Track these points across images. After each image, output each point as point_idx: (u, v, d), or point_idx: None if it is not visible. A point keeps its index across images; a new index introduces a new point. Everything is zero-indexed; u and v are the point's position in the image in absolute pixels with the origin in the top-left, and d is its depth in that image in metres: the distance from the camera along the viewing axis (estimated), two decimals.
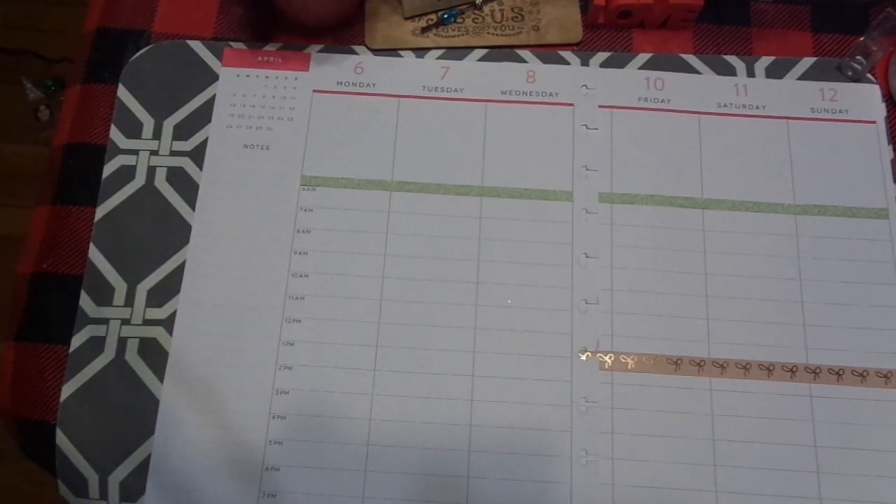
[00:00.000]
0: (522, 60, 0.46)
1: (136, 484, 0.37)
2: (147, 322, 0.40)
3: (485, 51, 0.46)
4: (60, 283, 0.41)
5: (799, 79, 0.45)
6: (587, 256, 0.41)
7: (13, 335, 0.41)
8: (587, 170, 0.43)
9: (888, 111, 0.45)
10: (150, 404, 0.39)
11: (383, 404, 0.39)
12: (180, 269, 0.41)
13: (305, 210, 0.42)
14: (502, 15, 0.46)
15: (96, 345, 0.40)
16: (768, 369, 0.39)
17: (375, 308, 0.40)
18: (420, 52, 0.46)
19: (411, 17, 0.46)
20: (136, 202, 0.42)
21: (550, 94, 0.45)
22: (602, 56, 0.46)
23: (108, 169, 0.43)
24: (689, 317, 0.40)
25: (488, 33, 0.46)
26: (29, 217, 0.43)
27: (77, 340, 0.40)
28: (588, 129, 0.44)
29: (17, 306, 0.41)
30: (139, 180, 0.43)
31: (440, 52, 0.46)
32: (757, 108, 0.44)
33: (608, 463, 0.38)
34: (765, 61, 0.46)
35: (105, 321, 0.40)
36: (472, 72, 0.45)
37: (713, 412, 0.39)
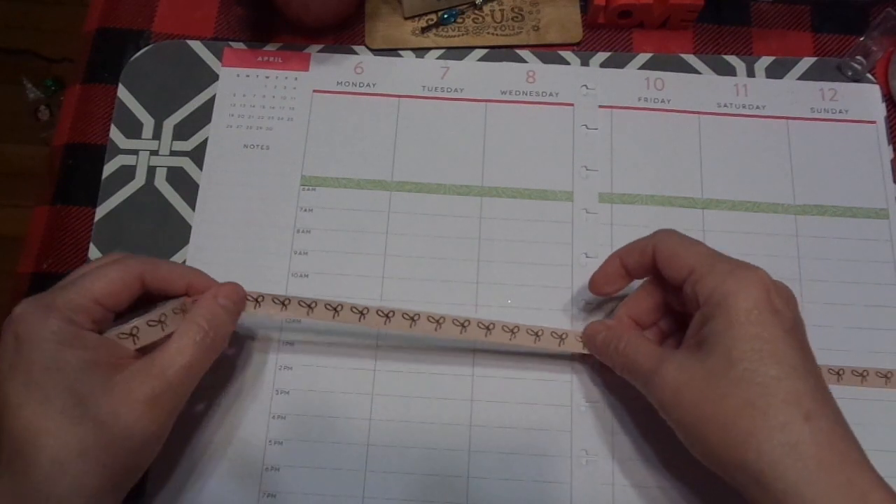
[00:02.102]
0: (522, 60, 0.46)
1: None
2: None
3: (485, 51, 0.46)
4: None
5: (799, 79, 0.45)
6: (587, 256, 0.41)
7: None
8: (587, 170, 0.43)
9: (888, 111, 0.45)
10: None
11: (383, 404, 0.39)
12: None
13: (305, 210, 0.42)
14: (502, 15, 0.46)
15: None
16: None
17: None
18: (420, 52, 0.46)
19: (411, 17, 0.46)
20: (136, 202, 0.42)
21: (550, 94, 0.45)
22: (602, 56, 0.46)
23: (108, 169, 0.43)
24: None
25: (488, 33, 0.46)
26: (29, 217, 0.43)
27: None
28: (588, 129, 0.44)
29: None
30: (139, 180, 0.43)
31: (440, 52, 0.46)
32: (757, 108, 0.44)
33: (608, 463, 0.38)
34: (765, 61, 0.46)
35: None
36: (472, 72, 0.45)
37: None
